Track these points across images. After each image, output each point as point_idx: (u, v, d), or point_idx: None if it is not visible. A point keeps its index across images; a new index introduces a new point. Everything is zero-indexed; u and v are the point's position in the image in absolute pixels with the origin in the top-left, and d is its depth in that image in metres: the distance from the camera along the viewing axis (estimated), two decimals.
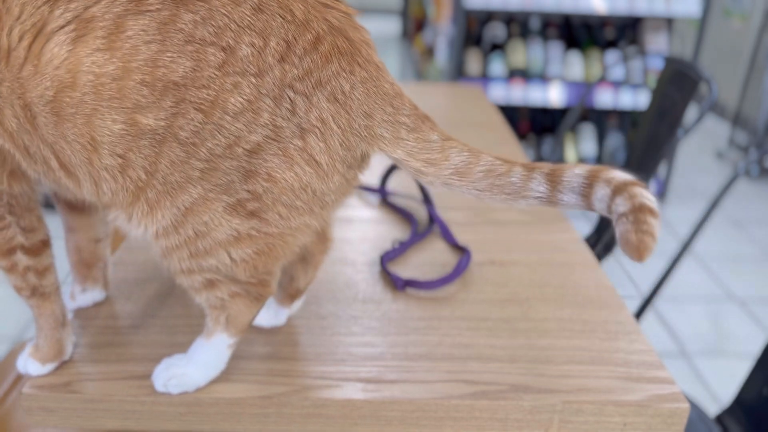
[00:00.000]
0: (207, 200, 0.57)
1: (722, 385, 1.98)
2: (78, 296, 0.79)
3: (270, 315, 0.77)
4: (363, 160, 0.62)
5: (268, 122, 0.55)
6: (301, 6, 0.55)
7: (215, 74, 0.53)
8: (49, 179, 0.61)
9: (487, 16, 3.25)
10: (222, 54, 0.53)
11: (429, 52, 4.28)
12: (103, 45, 0.52)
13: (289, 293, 0.76)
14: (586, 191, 0.56)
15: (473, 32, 3.24)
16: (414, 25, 5.59)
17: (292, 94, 0.55)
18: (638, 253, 0.53)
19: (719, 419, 1.10)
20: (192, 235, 0.59)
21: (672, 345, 2.18)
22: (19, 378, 1.03)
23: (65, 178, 0.59)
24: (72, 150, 0.56)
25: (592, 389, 0.69)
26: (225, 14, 0.53)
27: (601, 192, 0.55)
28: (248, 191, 0.57)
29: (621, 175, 0.55)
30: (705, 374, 2.03)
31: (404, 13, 6.70)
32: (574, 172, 0.57)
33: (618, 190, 0.54)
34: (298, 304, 0.79)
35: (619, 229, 0.54)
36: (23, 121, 0.55)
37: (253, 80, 0.54)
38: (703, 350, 2.16)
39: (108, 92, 0.53)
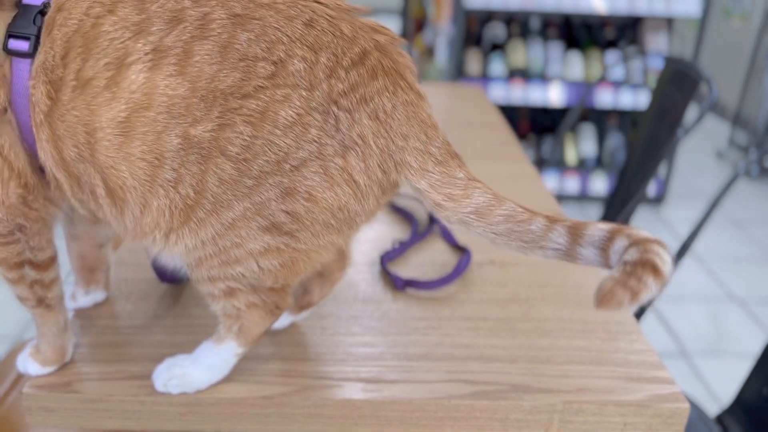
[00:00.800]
0: (248, 218, 0.58)
1: (722, 385, 1.98)
2: (80, 298, 0.79)
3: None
4: (394, 187, 0.62)
5: (315, 139, 0.55)
6: (348, 25, 0.57)
7: (264, 84, 0.54)
8: (87, 208, 0.62)
9: (487, 16, 3.25)
10: (272, 67, 0.54)
11: (429, 52, 4.28)
12: (175, 71, 0.54)
13: (300, 305, 0.77)
14: (605, 245, 0.54)
15: (473, 32, 3.24)
16: (414, 25, 5.59)
17: (336, 110, 0.55)
18: (599, 298, 0.50)
19: (719, 419, 1.10)
20: (228, 245, 0.59)
21: (672, 345, 2.18)
22: (19, 378, 1.03)
23: (108, 206, 0.60)
24: (132, 169, 0.57)
25: (592, 389, 0.69)
26: (278, 28, 0.54)
27: (619, 244, 0.53)
28: (288, 212, 0.57)
29: (645, 233, 0.53)
30: (705, 374, 2.03)
31: (404, 13, 6.69)
32: (598, 227, 0.56)
33: (636, 242, 0.52)
34: (305, 315, 0.78)
35: (610, 273, 0.52)
36: (83, 148, 0.57)
37: (304, 93, 0.54)
38: (703, 350, 2.16)
39: (177, 111, 0.55)
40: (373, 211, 0.62)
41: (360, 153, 0.57)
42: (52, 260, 0.68)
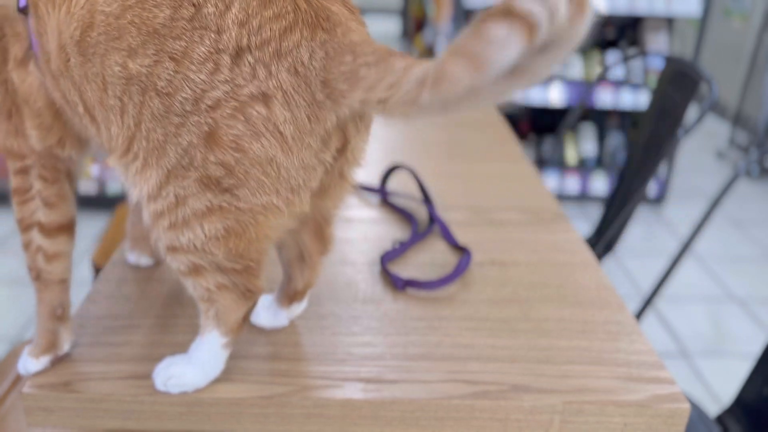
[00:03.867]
0: (183, 167, 0.58)
1: (722, 385, 1.98)
2: (131, 258, 0.88)
3: (270, 315, 0.77)
4: (343, 131, 0.60)
5: (228, 79, 0.55)
6: None
7: (186, 25, 0.56)
8: (83, 128, 0.66)
9: None
10: (192, 9, 0.56)
11: (429, 51, 4.28)
12: None
13: (287, 294, 0.76)
14: None
15: None
16: (414, 24, 5.59)
17: (250, 59, 0.55)
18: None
19: (719, 419, 1.10)
20: (173, 200, 0.60)
21: (672, 345, 2.18)
22: (19, 378, 1.03)
23: (90, 125, 0.64)
24: (91, 90, 0.60)
25: (592, 389, 0.68)
26: None
27: None
28: (220, 164, 0.57)
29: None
30: (705, 374, 2.03)
31: (404, 13, 6.70)
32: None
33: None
34: (298, 309, 0.78)
35: None
36: (60, 63, 0.61)
37: (213, 36, 0.56)
38: (704, 350, 2.16)
39: (113, 32, 0.57)
40: (315, 166, 0.60)
41: (283, 103, 0.56)
42: (61, 229, 0.69)
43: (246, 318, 0.68)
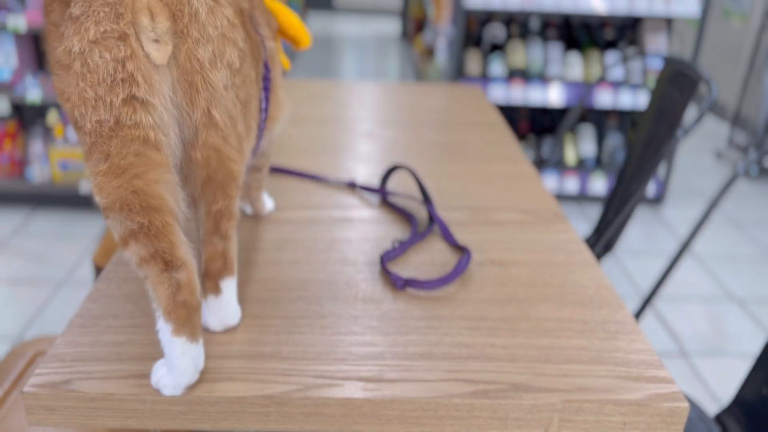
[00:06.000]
0: None
1: (721, 385, 1.98)
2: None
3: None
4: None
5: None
6: None
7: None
8: None
9: (487, 17, 3.26)
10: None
11: (429, 52, 4.28)
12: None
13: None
14: None
15: (473, 33, 3.24)
16: (414, 25, 5.60)
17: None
18: None
19: (719, 418, 1.10)
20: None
21: (671, 344, 2.18)
22: (20, 377, 1.04)
23: None
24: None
25: (591, 388, 0.69)
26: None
27: None
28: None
29: None
30: (704, 374, 2.04)
31: (404, 14, 6.70)
32: None
33: None
34: (215, 304, 0.74)
35: None
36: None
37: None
38: (703, 350, 2.16)
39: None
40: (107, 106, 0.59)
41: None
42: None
43: (185, 304, 0.64)
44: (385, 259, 0.90)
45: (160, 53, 0.59)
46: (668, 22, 3.19)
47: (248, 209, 1.03)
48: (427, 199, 1.07)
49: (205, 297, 0.74)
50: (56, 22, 0.59)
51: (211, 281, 0.73)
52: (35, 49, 2.93)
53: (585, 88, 3.04)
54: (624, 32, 3.27)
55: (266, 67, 0.81)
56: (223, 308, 0.74)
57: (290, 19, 0.85)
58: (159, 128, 0.60)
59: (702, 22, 2.98)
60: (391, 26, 7.44)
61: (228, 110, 0.66)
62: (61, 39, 0.58)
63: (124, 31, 0.57)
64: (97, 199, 0.61)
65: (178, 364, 0.65)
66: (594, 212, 3.17)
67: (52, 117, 2.84)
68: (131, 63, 0.58)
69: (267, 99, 0.82)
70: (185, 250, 0.64)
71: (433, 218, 1.02)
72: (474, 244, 0.97)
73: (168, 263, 0.62)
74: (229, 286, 0.74)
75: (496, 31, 3.18)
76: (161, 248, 0.62)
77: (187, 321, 0.65)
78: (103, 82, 0.58)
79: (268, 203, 1.05)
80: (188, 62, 0.61)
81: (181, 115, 0.63)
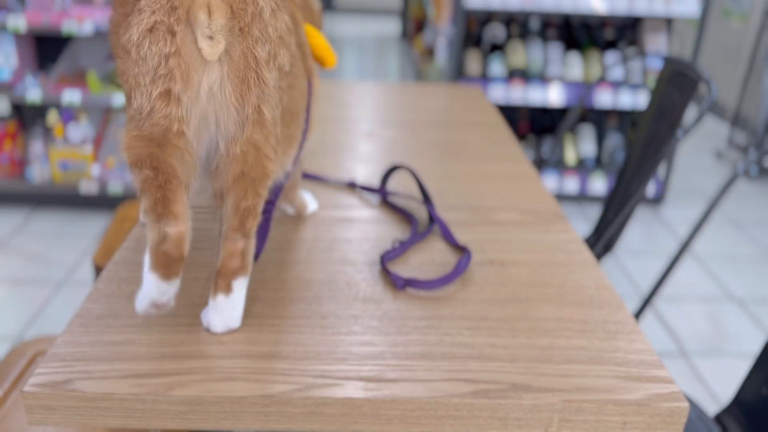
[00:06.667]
0: None
1: (721, 385, 1.98)
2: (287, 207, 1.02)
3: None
4: None
5: None
6: None
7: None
8: None
9: (487, 17, 3.26)
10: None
11: (429, 52, 4.29)
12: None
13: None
14: None
15: (473, 33, 3.24)
16: (414, 25, 5.60)
17: None
18: None
19: (718, 418, 1.10)
20: None
21: (671, 344, 2.18)
22: (20, 377, 1.04)
23: None
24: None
25: (591, 388, 0.69)
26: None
27: None
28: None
29: None
30: (704, 374, 2.04)
31: (404, 14, 6.70)
32: None
33: None
34: (224, 303, 0.75)
35: None
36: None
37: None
38: (702, 350, 2.16)
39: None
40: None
41: None
42: None
43: (166, 253, 0.68)
44: (385, 259, 0.90)
45: (212, 49, 0.62)
46: (668, 22, 3.19)
47: (290, 210, 1.04)
48: (427, 199, 1.07)
49: (214, 295, 0.74)
50: (128, 13, 0.65)
51: (224, 279, 0.74)
52: (35, 49, 2.93)
53: (585, 88, 3.04)
54: (624, 32, 3.27)
55: (309, 82, 0.86)
56: (230, 309, 0.75)
57: (319, 41, 0.90)
58: (184, 121, 0.64)
59: (702, 22, 2.98)
60: (391, 26, 7.44)
61: (274, 110, 0.69)
62: (127, 27, 0.64)
63: (173, 25, 0.61)
64: (124, 155, 0.67)
65: (145, 288, 0.70)
66: (594, 212, 3.17)
67: (52, 117, 2.84)
68: (174, 59, 0.62)
69: (307, 120, 0.87)
70: (182, 210, 0.68)
71: (433, 218, 1.02)
72: (474, 244, 0.97)
73: (160, 215, 0.67)
74: (241, 286, 0.75)
75: (496, 31, 3.18)
76: (158, 198, 0.66)
77: (164, 265, 0.70)
78: (149, 73, 0.63)
79: (311, 204, 1.05)
80: (243, 59, 0.64)
81: (226, 109, 0.66)
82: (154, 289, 0.71)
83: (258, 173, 0.70)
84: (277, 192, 0.88)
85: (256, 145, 0.69)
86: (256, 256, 0.84)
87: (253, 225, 0.73)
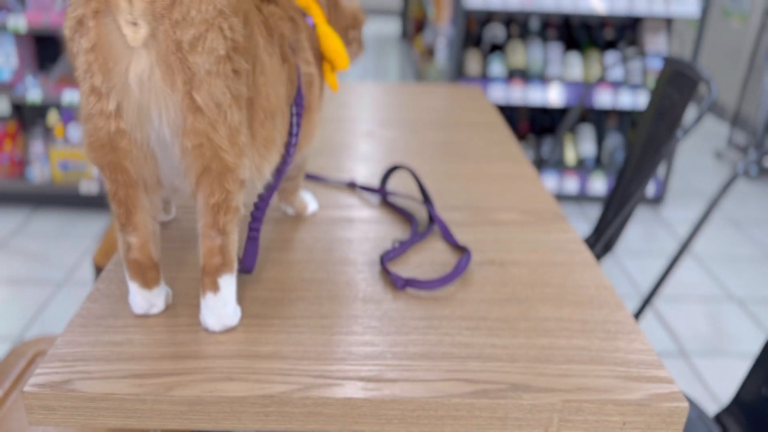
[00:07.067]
0: None
1: (721, 385, 1.98)
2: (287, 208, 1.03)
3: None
4: None
5: None
6: None
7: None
8: None
9: (487, 17, 3.26)
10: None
11: (429, 52, 4.28)
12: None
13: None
14: None
15: (473, 33, 3.24)
16: (414, 25, 5.59)
17: None
18: None
19: (718, 418, 1.10)
20: None
21: (671, 344, 2.18)
22: (20, 377, 1.04)
23: None
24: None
25: (591, 388, 0.69)
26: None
27: None
28: None
29: None
30: (704, 374, 2.04)
31: (404, 14, 6.70)
32: None
33: None
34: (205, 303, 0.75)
35: None
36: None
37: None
38: (702, 350, 2.16)
39: None
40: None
41: None
42: None
43: (137, 262, 0.73)
44: (385, 259, 0.90)
45: (136, 35, 0.61)
46: (668, 22, 3.19)
47: (290, 210, 1.04)
48: (427, 199, 1.07)
49: (203, 294, 0.74)
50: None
51: (209, 277, 0.73)
52: (35, 49, 2.93)
53: (585, 88, 3.04)
54: (624, 32, 3.27)
55: (299, 93, 0.84)
56: (221, 307, 0.74)
57: (332, 43, 0.90)
58: (118, 116, 0.64)
59: (702, 22, 2.98)
60: (391, 26, 7.44)
61: (213, 96, 0.65)
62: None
63: (89, 18, 0.61)
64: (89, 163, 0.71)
65: (132, 299, 0.77)
66: (594, 212, 3.17)
67: (53, 117, 2.84)
68: (92, 53, 0.62)
69: (298, 124, 0.85)
70: (143, 219, 0.72)
71: (433, 218, 1.02)
72: (474, 244, 0.97)
73: (123, 225, 0.72)
74: (228, 283, 0.74)
75: (496, 31, 3.18)
76: (119, 212, 0.71)
77: (138, 274, 0.75)
78: (80, 69, 0.64)
79: (311, 204, 1.05)
80: (165, 43, 0.62)
81: (162, 98, 0.64)
82: (140, 299, 0.76)
83: (218, 166, 0.68)
84: (263, 208, 0.84)
85: (206, 136, 0.66)
86: (249, 270, 0.83)
87: (229, 220, 0.71)
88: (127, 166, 0.68)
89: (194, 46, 0.63)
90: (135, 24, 0.60)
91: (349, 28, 0.98)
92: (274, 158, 0.80)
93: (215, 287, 0.73)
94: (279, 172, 0.85)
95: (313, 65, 0.89)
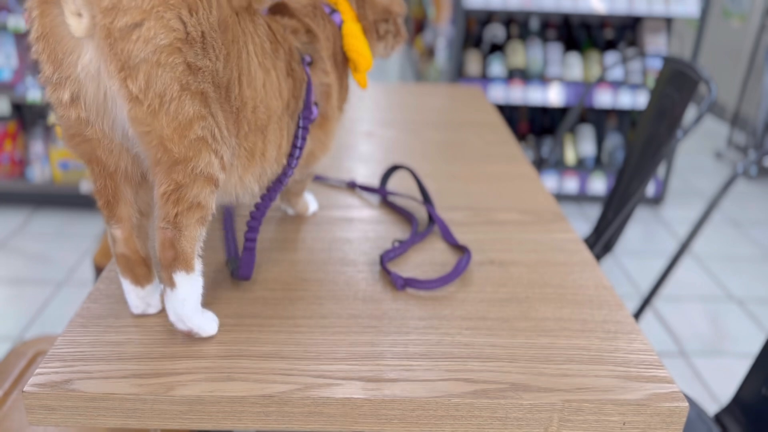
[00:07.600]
0: None
1: (721, 385, 1.98)
2: (288, 209, 1.04)
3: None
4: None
5: None
6: None
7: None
8: None
9: (487, 17, 3.26)
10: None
11: (429, 52, 4.28)
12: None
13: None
14: None
15: (473, 33, 3.24)
16: (414, 25, 5.59)
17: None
18: None
19: (718, 418, 1.10)
20: None
21: (671, 344, 2.18)
22: (20, 377, 1.04)
23: None
24: None
25: (591, 388, 0.69)
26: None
27: None
28: None
29: None
30: (704, 373, 2.04)
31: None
32: None
33: None
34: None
35: None
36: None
37: None
38: (702, 350, 2.17)
39: None
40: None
41: None
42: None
43: (124, 256, 0.74)
44: (385, 259, 0.90)
45: (79, 26, 0.61)
46: (668, 22, 3.19)
47: (291, 211, 1.04)
48: (427, 199, 1.07)
49: (163, 287, 0.72)
50: None
51: (165, 271, 0.70)
52: None
53: (584, 88, 3.04)
54: (624, 32, 3.27)
55: (306, 106, 0.83)
56: (179, 305, 0.71)
57: (356, 43, 0.89)
58: (76, 105, 0.65)
59: (702, 22, 2.98)
60: None
61: (153, 86, 0.63)
62: None
63: (34, 9, 0.62)
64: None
65: (127, 298, 0.77)
66: (593, 212, 3.17)
67: (53, 117, 2.84)
68: (41, 42, 0.63)
69: (303, 137, 0.84)
70: (126, 211, 0.73)
71: (433, 218, 1.02)
72: (474, 244, 0.97)
73: (107, 218, 0.73)
74: (185, 282, 0.70)
75: (495, 32, 3.18)
76: (101, 204, 0.73)
77: (128, 269, 0.75)
78: (39, 60, 0.64)
79: (311, 204, 1.05)
80: (98, 30, 0.61)
81: (107, 87, 0.64)
82: (134, 297, 0.76)
83: (165, 157, 0.65)
84: (258, 218, 0.84)
85: (147, 125, 0.64)
86: (246, 277, 0.83)
87: (181, 213, 0.68)
88: (101, 155, 0.68)
89: (127, 34, 0.61)
90: (79, 15, 0.61)
91: (379, 22, 0.95)
92: (258, 170, 0.78)
93: (171, 283, 0.70)
94: (278, 182, 0.84)
95: (332, 74, 0.87)
